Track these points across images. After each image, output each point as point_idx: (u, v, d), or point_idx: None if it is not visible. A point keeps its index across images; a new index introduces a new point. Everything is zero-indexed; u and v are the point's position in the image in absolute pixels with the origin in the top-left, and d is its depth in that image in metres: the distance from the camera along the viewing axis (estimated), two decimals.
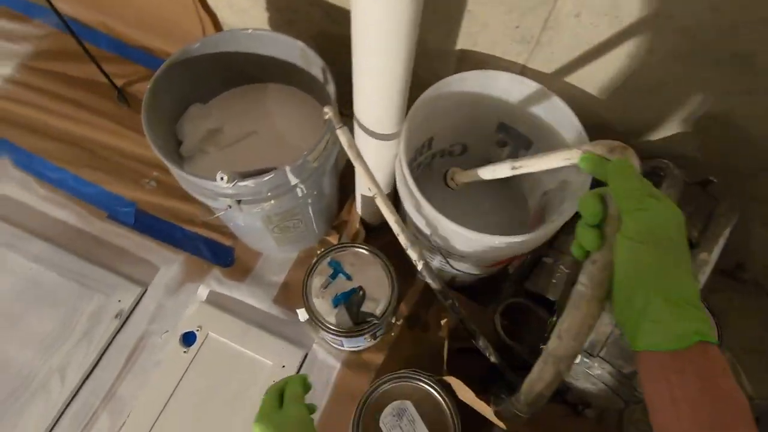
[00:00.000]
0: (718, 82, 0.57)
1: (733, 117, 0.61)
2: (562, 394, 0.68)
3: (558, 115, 0.68)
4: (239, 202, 0.62)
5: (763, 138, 0.61)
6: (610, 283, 0.36)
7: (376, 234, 0.92)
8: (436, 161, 0.88)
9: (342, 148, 0.59)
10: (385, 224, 0.92)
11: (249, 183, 0.58)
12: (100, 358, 0.81)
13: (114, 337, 0.83)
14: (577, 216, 0.40)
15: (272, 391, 0.49)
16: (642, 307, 0.32)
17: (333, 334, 0.67)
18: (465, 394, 0.62)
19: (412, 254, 0.57)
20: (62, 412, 0.77)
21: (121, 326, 0.84)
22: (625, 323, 0.34)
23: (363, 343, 0.76)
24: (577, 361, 0.50)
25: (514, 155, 0.84)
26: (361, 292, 0.69)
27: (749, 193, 0.69)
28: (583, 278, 0.39)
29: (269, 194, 0.62)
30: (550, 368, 0.42)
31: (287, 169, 0.59)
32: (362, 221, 0.91)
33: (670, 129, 0.67)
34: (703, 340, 0.30)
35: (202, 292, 0.87)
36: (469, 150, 0.88)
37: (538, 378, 0.45)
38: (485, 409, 0.58)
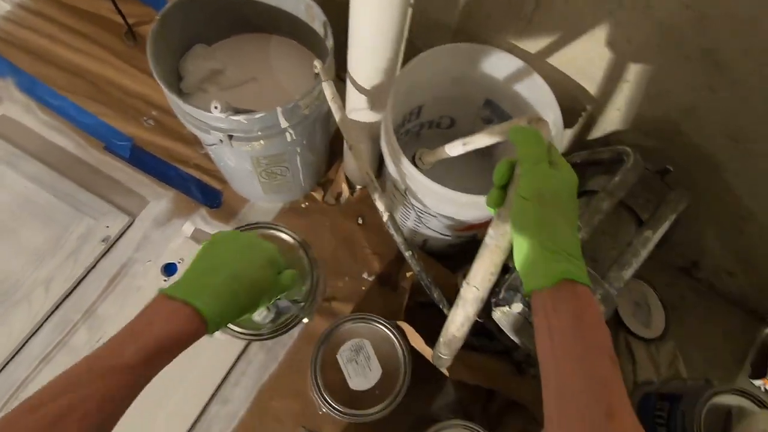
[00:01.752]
0: (688, 77, 0.62)
1: (697, 112, 0.65)
2: (509, 352, 0.73)
3: (539, 94, 0.72)
4: (231, 137, 0.66)
5: (722, 134, 0.65)
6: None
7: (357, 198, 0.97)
8: (424, 131, 0.92)
9: None
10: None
11: (241, 118, 0.62)
12: (84, 277, 0.86)
13: (99, 260, 0.87)
14: None
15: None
16: (525, 254, 0.37)
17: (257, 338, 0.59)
18: (415, 340, 0.67)
19: (379, 205, 0.61)
20: (43, 322, 0.82)
21: (107, 250, 0.88)
22: (519, 271, 0.39)
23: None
24: (519, 311, 0.54)
25: None
26: None
27: (706, 188, 0.74)
28: (489, 230, 0.43)
29: (260, 133, 0.66)
30: (459, 311, 0.48)
31: (279, 110, 0.63)
32: (347, 181, 0.96)
33: (638, 118, 0.72)
34: (571, 279, 0.34)
35: (188, 228, 0.91)
36: (456, 124, 0.92)
37: (451, 320, 0.50)
38: (428, 354, 0.64)
